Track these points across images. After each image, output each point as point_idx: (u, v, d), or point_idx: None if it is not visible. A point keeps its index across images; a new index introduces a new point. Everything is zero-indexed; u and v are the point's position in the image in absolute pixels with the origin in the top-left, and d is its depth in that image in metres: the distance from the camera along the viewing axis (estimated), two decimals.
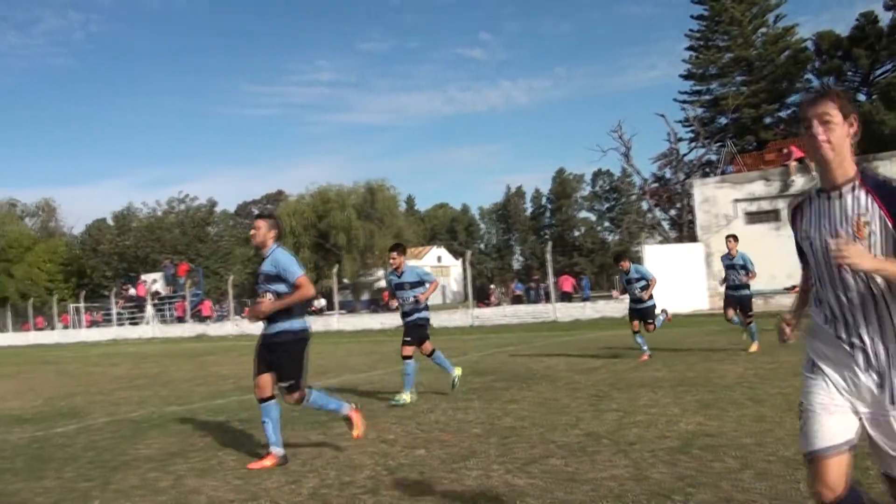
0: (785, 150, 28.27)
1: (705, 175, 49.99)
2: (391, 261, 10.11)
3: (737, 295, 13.62)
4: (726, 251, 13.79)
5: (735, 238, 13.85)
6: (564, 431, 7.00)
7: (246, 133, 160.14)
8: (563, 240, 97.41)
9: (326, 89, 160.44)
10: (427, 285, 10.03)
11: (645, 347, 13.30)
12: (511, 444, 6.57)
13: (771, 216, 27.47)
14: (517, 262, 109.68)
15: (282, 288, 6.34)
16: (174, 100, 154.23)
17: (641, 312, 13.44)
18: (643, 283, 13.35)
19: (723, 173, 31.73)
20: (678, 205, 55.05)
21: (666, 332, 19.01)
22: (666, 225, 54.97)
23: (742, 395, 8.55)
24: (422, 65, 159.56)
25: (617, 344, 16.72)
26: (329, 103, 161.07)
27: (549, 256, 28.76)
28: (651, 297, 13.44)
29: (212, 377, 14.76)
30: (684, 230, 49.82)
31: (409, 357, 9.86)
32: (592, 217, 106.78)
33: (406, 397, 9.58)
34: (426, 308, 10.15)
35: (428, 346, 10.11)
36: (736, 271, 13.59)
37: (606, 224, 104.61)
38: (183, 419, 9.22)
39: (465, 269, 32.86)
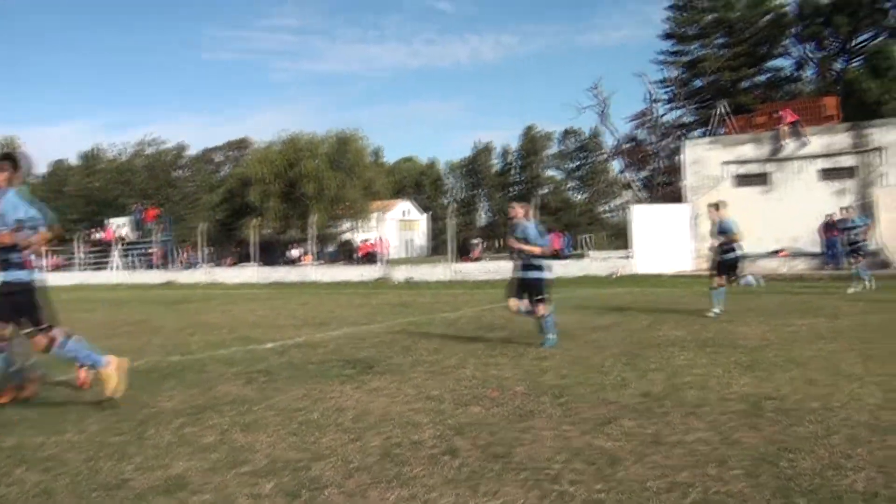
0: (777, 114, 28.09)
1: (680, 137, 49.97)
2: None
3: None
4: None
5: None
6: (617, 391, 6.70)
7: (209, 78, 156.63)
8: (530, 197, 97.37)
9: (292, 36, 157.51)
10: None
11: None
12: (569, 404, 6.24)
13: (759, 179, 27.38)
14: (482, 219, 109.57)
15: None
16: (137, 41, 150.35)
17: None
18: None
19: (714, 134, 31.50)
20: (651, 166, 55.09)
21: (658, 292, 18.95)
22: (637, 186, 54.99)
23: (778, 357, 8.37)
24: (389, 15, 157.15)
25: (616, 302, 16.52)
26: (295, 50, 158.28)
27: (535, 213, 28.41)
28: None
29: (202, 326, 14.21)
30: (657, 191, 49.85)
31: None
32: (560, 176, 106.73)
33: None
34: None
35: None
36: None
37: (573, 183, 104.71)
38: (194, 370, 8.73)
39: (449, 224, 32.49)
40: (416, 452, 4.93)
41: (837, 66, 53.10)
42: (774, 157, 26.99)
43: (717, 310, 12.64)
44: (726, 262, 12.98)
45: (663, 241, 25.86)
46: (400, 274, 30.45)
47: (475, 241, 42.59)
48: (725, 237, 12.91)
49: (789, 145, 26.71)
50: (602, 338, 10.50)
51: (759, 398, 6.26)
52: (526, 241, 9.87)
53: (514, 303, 9.98)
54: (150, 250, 40.18)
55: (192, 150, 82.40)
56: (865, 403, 5.95)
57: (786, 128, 26.71)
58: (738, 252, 13.13)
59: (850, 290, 15.85)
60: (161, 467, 4.77)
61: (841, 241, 17.42)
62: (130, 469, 4.75)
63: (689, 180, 28.68)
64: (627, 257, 27.32)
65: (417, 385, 7.29)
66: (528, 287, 9.93)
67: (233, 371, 8.51)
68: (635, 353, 8.98)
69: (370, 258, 35.30)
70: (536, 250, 9.86)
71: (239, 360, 9.45)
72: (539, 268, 9.96)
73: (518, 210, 10.30)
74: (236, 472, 4.62)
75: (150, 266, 39.16)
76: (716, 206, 13.39)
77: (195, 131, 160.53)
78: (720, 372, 7.53)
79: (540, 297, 9.86)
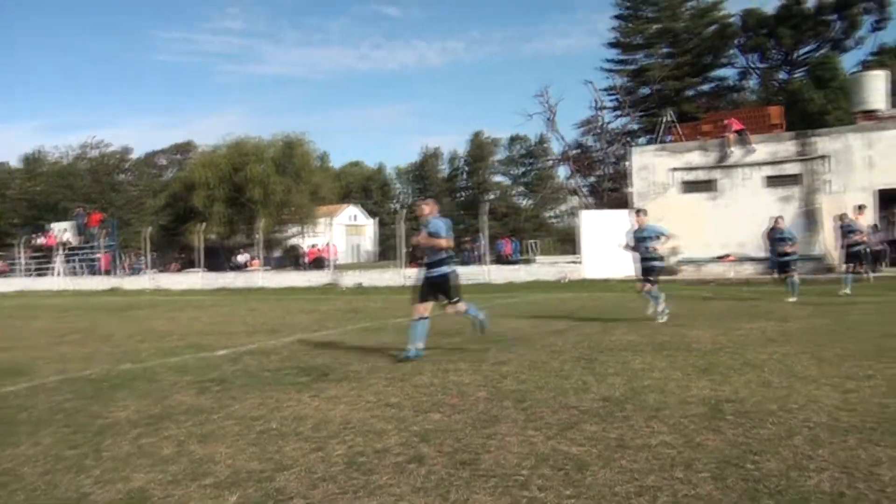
0: (723, 122, 28.60)
1: (626, 144, 50.65)
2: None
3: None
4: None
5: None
6: (578, 396, 6.70)
7: (153, 80, 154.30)
8: (477, 203, 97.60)
9: (237, 38, 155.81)
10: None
11: None
12: (532, 409, 6.23)
13: (707, 186, 27.84)
14: None
15: None
16: (79, 42, 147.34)
17: None
18: None
19: (661, 142, 31.94)
20: (598, 172, 55.69)
21: (607, 296, 19.12)
22: (584, 192, 55.53)
23: (733, 360, 8.47)
24: (336, 19, 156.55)
25: (567, 307, 16.60)
26: (239, 53, 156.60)
27: (485, 218, 28.46)
28: None
29: (151, 333, 13.91)
30: (604, 198, 50.39)
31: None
32: (507, 181, 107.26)
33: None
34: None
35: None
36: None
37: (520, 189, 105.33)
38: (146, 379, 8.51)
39: (399, 229, 32.30)
40: (381, 461, 4.86)
41: (780, 76, 54.36)
42: (721, 164, 27.51)
43: (661, 311, 12.78)
44: (649, 268, 13.07)
45: (612, 246, 26.09)
46: (349, 279, 30.26)
47: None
48: (656, 243, 12.96)
49: (736, 153, 27.24)
50: (557, 342, 10.51)
51: (719, 401, 6.32)
52: (436, 237, 9.37)
53: (421, 307, 9.42)
54: (94, 255, 39.26)
55: (137, 154, 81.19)
56: (823, 405, 6.05)
57: (732, 136, 27.22)
58: (661, 262, 13.32)
59: (791, 300, 15.94)
60: (121, 480, 4.63)
61: (772, 249, 17.08)
62: (89, 482, 4.60)
63: (636, 186, 29.05)
64: (576, 262, 27.52)
65: (376, 392, 7.21)
66: (437, 287, 9.48)
67: (186, 380, 8.32)
68: (592, 357, 9.01)
69: (318, 264, 34.97)
70: (443, 243, 9.36)
71: (191, 368, 9.25)
72: (445, 262, 9.51)
73: (425, 207, 9.72)
74: (199, 484, 4.50)
75: (93, 272, 38.28)
76: (637, 213, 13.66)
77: (139, 134, 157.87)
78: (678, 375, 7.59)
79: (452, 298, 9.51)
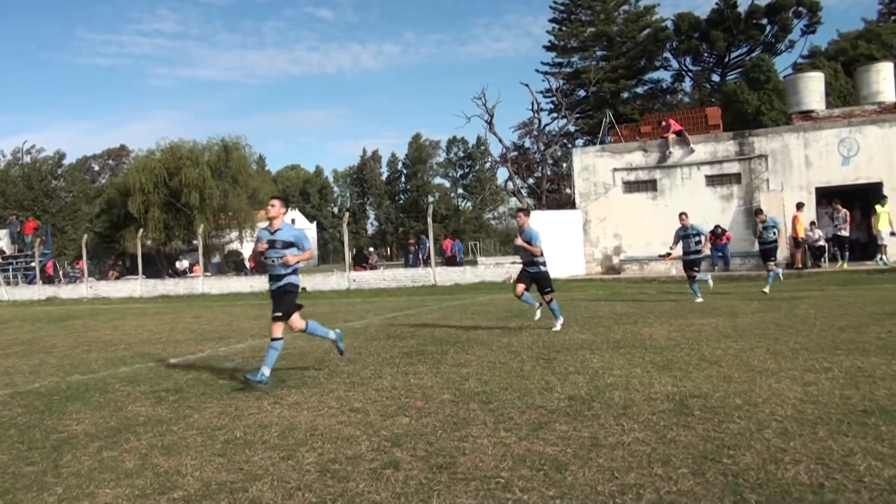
0: (663, 123, 28.99)
1: (564, 146, 51.14)
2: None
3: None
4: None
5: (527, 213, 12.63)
6: (543, 396, 6.68)
7: (84, 83, 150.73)
8: (418, 205, 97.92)
9: (169, 41, 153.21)
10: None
11: None
12: (499, 410, 6.18)
13: (648, 186, 28.22)
14: (371, 227, 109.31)
15: None
16: (3, 45, 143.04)
17: None
18: None
19: (602, 142, 32.27)
20: (537, 173, 56.08)
21: (555, 296, 19.18)
22: (524, 193, 55.84)
23: (690, 356, 8.54)
24: (269, 21, 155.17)
25: (515, 307, 16.57)
26: (172, 56, 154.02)
27: (430, 220, 28.36)
28: None
29: (96, 343, 13.51)
30: (544, 199, 50.75)
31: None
32: (447, 183, 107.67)
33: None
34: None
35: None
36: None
37: (460, 191, 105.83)
38: (98, 390, 8.23)
39: (342, 233, 32.06)
40: (355, 467, 4.76)
41: (713, 79, 55.53)
42: (662, 164, 27.91)
43: (537, 316, 12.39)
44: (531, 274, 12.26)
45: (556, 246, 26.22)
46: None
47: (370, 249, 42.14)
48: (530, 248, 11.99)
49: (675, 153, 27.66)
50: (513, 342, 10.50)
51: (684, 396, 6.36)
52: (292, 244, 8.18)
53: (278, 328, 8.13)
54: (30, 264, 38.08)
55: (70, 159, 79.23)
56: (786, 398, 6.12)
57: (672, 136, 27.62)
58: (543, 267, 12.24)
59: (698, 300, 15.46)
60: (86, 496, 4.45)
61: (685, 247, 16.12)
62: (53, 500, 4.42)
63: (579, 187, 29.29)
64: (520, 262, 27.59)
65: (338, 397, 7.09)
66: (281, 297, 8.18)
67: (140, 390, 8.08)
68: (550, 356, 9.01)
69: (261, 269, 34.45)
70: (308, 256, 8.39)
71: (143, 377, 8.99)
72: (295, 272, 8.31)
73: (279, 208, 8.38)
74: (168, 497, 4.34)
75: (30, 281, 37.14)
76: (525, 212, 12.70)
77: (70, 138, 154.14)
78: (639, 372, 7.63)
79: (289, 309, 8.19)
